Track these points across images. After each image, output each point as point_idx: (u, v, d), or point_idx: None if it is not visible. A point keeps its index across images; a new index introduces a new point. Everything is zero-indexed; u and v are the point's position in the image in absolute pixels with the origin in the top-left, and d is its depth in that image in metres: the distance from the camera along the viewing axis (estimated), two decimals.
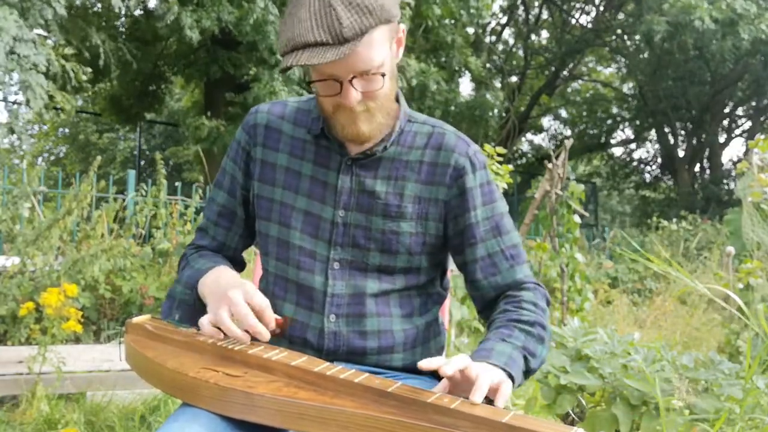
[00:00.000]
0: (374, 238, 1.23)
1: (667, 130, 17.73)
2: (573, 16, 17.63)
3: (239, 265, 1.41)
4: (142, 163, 15.46)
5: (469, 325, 4.52)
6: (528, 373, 1.15)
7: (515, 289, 1.25)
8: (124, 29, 9.73)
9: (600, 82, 19.71)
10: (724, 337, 3.79)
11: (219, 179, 1.35)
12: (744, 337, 3.42)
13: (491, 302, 1.28)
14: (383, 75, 1.14)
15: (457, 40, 10.97)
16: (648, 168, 20.63)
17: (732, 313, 4.21)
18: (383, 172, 1.24)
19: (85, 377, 2.93)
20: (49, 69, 4.56)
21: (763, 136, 3.59)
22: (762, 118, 17.14)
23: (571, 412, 2.28)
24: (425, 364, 1.00)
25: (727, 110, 17.56)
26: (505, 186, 4.04)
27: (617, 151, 20.87)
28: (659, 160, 19.83)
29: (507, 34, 18.36)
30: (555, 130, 20.93)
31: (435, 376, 1.34)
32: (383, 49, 1.12)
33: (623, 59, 17.68)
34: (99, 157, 4.70)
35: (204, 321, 1.13)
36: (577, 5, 17.33)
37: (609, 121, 19.05)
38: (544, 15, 17.71)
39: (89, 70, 5.34)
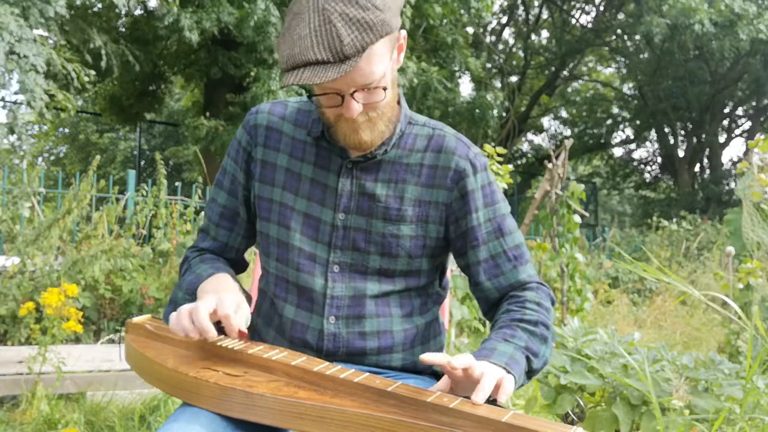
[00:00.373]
0: (374, 242, 1.23)
1: (667, 130, 17.75)
2: (573, 16, 17.64)
3: (241, 266, 1.41)
4: (142, 163, 15.47)
5: (469, 325, 4.52)
6: (531, 373, 1.15)
7: (519, 290, 1.25)
8: (124, 29, 9.73)
9: (600, 82, 19.71)
10: (724, 337, 3.79)
11: (219, 179, 1.34)
12: (744, 337, 3.42)
13: (495, 303, 1.28)
14: (384, 89, 1.14)
15: (458, 40, 10.97)
16: (648, 168, 20.66)
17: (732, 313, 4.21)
18: (383, 175, 1.24)
19: (85, 377, 2.93)
20: (49, 69, 4.56)
21: (763, 136, 3.59)
22: (762, 118, 17.15)
23: (570, 412, 2.28)
24: (428, 357, 1.00)
25: (727, 110, 17.57)
26: (505, 186, 4.04)
27: (617, 151, 20.91)
28: (659, 160, 19.84)
29: (507, 34, 18.39)
30: (555, 130, 20.96)
31: (434, 375, 1.34)
32: (384, 61, 1.11)
33: (623, 59, 17.69)
34: (98, 157, 4.71)
35: (172, 315, 1.11)
36: (577, 5, 17.34)
37: (609, 121, 19.06)
38: (544, 15, 17.71)
39: (93, 72, 5.35)
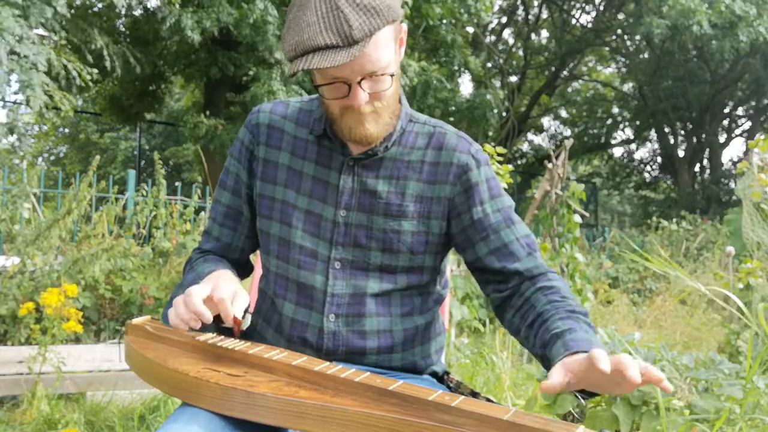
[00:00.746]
0: (375, 238, 1.23)
1: (667, 130, 17.75)
2: (573, 16, 17.64)
3: (247, 268, 1.40)
4: (143, 163, 15.47)
5: (469, 325, 4.52)
6: None
7: (543, 279, 1.21)
8: (123, 29, 9.74)
9: (600, 82, 19.72)
10: (724, 337, 3.79)
11: (223, 179, 1.34)
12: (744, 337, 3.42)
13: (512, 290, 1.23)
14: (391, 75, 1.14)
15: (457, 40, 10.97)
16: (648, 168, 20.67)
17: (732, 313, 4.22)
18: (385, 171, 1.24)
19: (85, 377, 2.93)
20: (50, 69, 4.56)
21: (763, 136, 3.59)
22: (762, 118, 17.15)
23: (572, 410, 2.28)
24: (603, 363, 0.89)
25: (727, 110, 17.58)
26: (505, 186, 4.04)
27: (617, 151, 20.91)
28: (659, 160, 19.85)
29: (507, 33, 18.38)
30: (555, 130, 20.96)
31: (434, 375, 1.34)
32: (390, 49, 1.12)
33: (623, 59, 17.70)
34: (98, 157, 4.71)
35: (170, 310, 1.11)
36: (577, 5, 17.34)
37: (609, 121, 19.06)
38: (544, 15, 17.72)
39: (95, 71, 5.35)
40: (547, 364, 1.05)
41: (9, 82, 4.64)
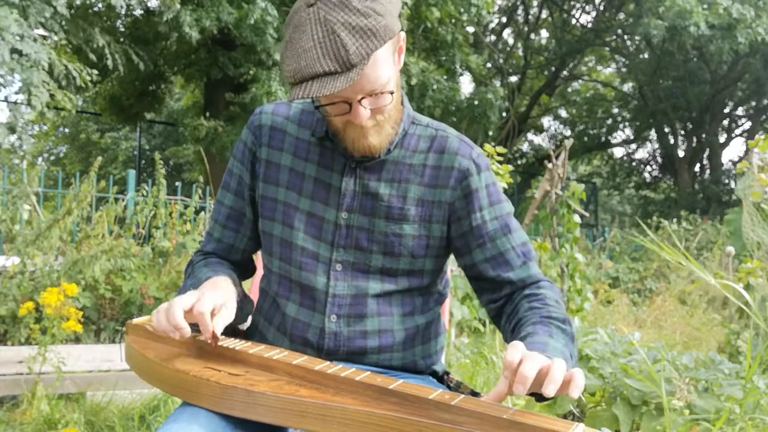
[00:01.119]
0: (377, 240, 1.23)
1: (667, 130, 17.75)
2: (573, 16, 17.64)
3: (249, 269, 1.40)
4: (143, 163, 15.47)
5: (469, 325, 4.52)
6: None
7: (532, 286, 1.23)
8: (124, 29, 9.74)
9: (600, 82, 19.72)
10: (724, 337, 3.79)
11: (226, 181, 1.34)
12: (744, 337, 3.42)
13: (506, 299, 1.25)
14: (391, 93, 1.14)
15: (458, 39, 10.97)
16: (648, 168, 20.66)
17: (732, 313, 4.21)
18: (387, 174, 1.24)
19: (85, 377, 2.93)
20: (51, 69, 4.56)
21: (763, 136, 3.59)
22: (762, 118, 17.16)
23: (572, 410, 2.28)
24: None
25: (727, 110, 17.59)
26: (505, 186, 4.04)
27: (617, 151, 20.91)
28: (659, 160, 19.85)
29: (507, 33, 18.39)
30: (555, 130, 20.96)
31: (434, 375, 1.34)
32: (388, 65, 1.12)
33: (623, 59, 17.71)
34: (100, 158, 4.71)
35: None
36: (577, 5, 17.35)
37: (609, 121, 19.06)
38: (544, 15, 17.72)
39: (95, 72, 5.35)
40: None
41: (11, 83, 4.64)
